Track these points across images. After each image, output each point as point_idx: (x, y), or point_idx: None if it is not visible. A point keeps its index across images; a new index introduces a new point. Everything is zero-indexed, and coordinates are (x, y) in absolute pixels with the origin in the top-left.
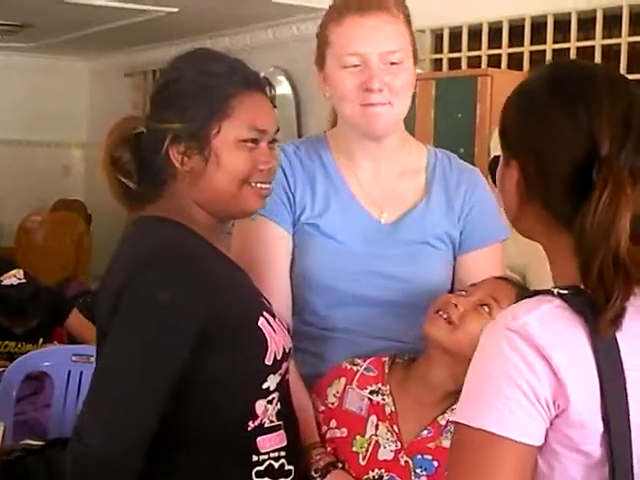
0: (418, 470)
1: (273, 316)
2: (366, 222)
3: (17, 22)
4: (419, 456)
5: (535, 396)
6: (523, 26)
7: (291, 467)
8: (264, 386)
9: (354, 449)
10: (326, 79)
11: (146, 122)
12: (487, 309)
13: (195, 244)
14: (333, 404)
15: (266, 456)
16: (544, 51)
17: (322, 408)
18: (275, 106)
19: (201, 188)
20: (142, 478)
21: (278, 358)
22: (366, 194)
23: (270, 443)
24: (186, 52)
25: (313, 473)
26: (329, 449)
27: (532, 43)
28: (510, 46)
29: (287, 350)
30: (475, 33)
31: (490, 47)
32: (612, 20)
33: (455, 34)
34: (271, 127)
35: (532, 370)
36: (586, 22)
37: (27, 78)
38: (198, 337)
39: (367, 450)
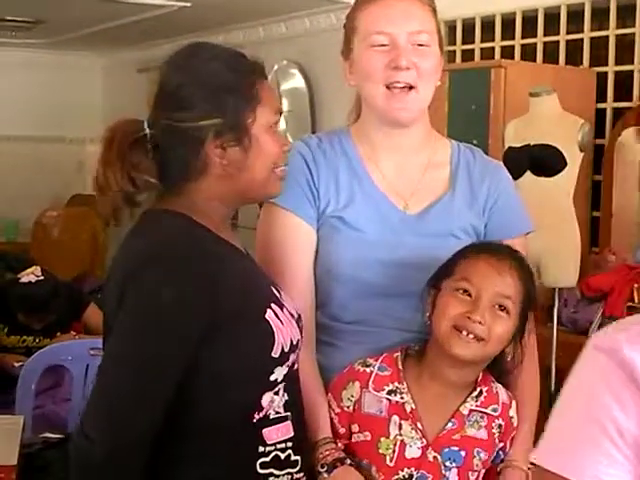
0: (447, 463)
1: (281, 307)
2: (391, 213)
3: (30, 18)
4: (446, 449)
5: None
6: (536, 17)
7: (297, 457)
8: (271, 378)
9: (380, 451)
10: (352, 66)
11: (163, 122)
12: (504, 310)
13: (204, 238)
14: (349, 408)
15: (272, 447)
16: (557, 42)
17: (338, 410)
18: None
19: (237, 179)
20: (147, 469)
21: (285, 350)
22: (390, 185)
23: (277, 434)
24: (187, 49)
25: (319, 468)
26: (340, 445)
27: (545, 34)
28: (523, 37)
29: (295, 342)
30: (488, 24)
31: (503, 38)
32: (626, 10)
33: (468, 26)
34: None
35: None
36: (600, 12)
37: (41, 74)
38: (203, 331)
39: (394, 451)
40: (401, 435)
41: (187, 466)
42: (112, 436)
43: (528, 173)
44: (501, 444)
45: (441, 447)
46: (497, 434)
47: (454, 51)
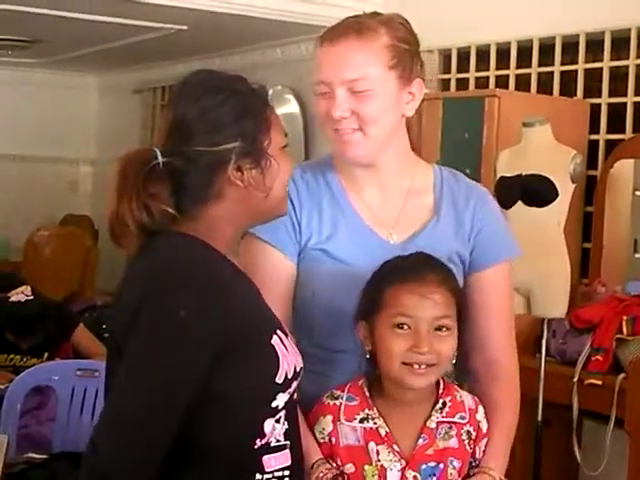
0: (428, 479)
1: (286, 334)
2: (375, 243)
3: (27, 38)
4: (424, 466)
5: None
6: (531, 47)
7: None
8: (273, 404)
9: (367, 479)
10: None
11: (182, 149)
12: (444, 329)
13: (216, 261)
14: (327, 443)
15: (270, 475)
16: (552, 73)
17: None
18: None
19: (252, 201)
20: None
21: (289, 377)
22: (374, 215)
23: (275, 462)
24: (197, 76)
25: None
26: (335, 465)
27: (540, 65)
28: (518, 67)
29: (298, 369)
30: (483, 54)
31: (498, 68)
32: (620, 42)
33: (463, 55)
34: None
35: None
36: (594, 44)
37: (36, 94)
38: (214, 355)
39: (379, 476)
40: (380, 461)
41: None
42: (118, 452)
43: (519, 203)
44: (471, 450)
45: (418, 465)
46: (467, 440)
47: (449, 79)
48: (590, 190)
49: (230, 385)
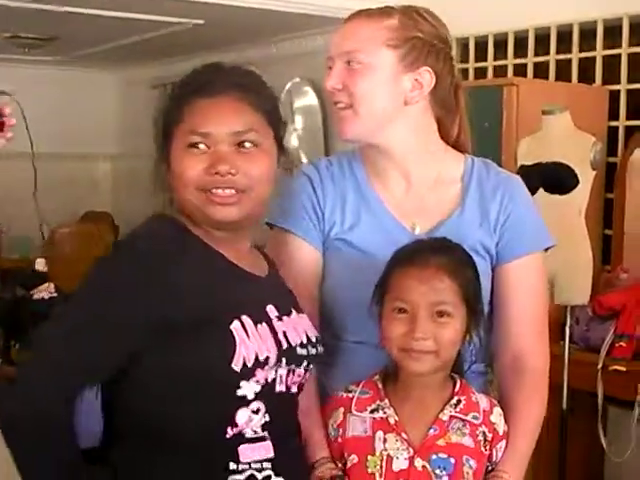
0: (437, 471)
1: (262, 322)
2: (398, 233)
3: (44, 35)
4: (434, 456)
5: None
6: (549, 35)
7: (280, 479)
8: (239, 393)
9: (369, 470)
10: None
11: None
12: (444, 316)
13: (177, 241)
14: (336, 437)
15: (247, 466)
16: (570, 60)
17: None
18: (265, 107)
19: (176, 198)
20: (125, 475)
21: (249, 365)
22: (398, 206)
23: (253, 453)
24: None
25: None
26: (340, 466)
27: (558, 52)
28: (536, 55)
29: (263, 359)
30: (501, 42)
31: (516, 56)
32: (638, 28)
33: (481, 43)
34: (218, 129)
35: None
36: (612, 31)
37: (54, 91)
38: (146, 328)
39: (381, 467)
40: (386, 450)
41: (161, 473)
42: (16, 402)
43: (540, 191)
44: (487, 453)
45: (428, 454)
46: (483, 442)
47: (467, 69)
48: (610, 177)
49: (184, 365)
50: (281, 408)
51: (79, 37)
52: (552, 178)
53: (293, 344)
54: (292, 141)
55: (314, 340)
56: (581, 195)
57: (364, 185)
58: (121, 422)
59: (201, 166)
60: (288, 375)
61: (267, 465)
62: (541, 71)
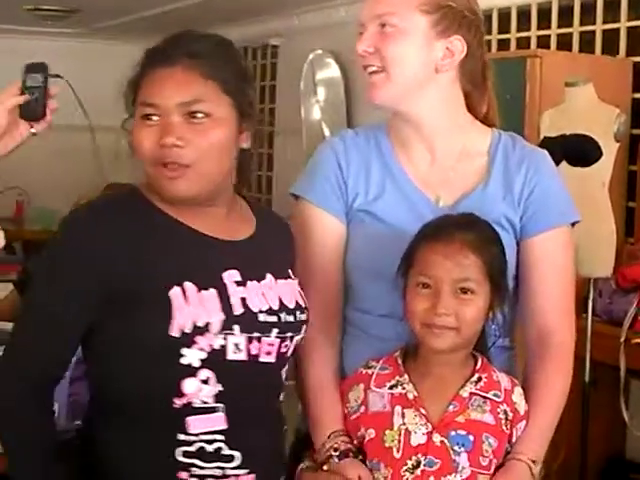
0: (456, 447)
1: (216, 288)
2: (422, 205)
3: (66, 7)
4: (453, 432)
5: None
6: (572, 6)
7: (234, 452)
8: (183, 361)
9: (386, 445)
10: None
11: None
12: (467, 292)
13: (127, 209)
14: (357, 411)
15: (196, 437)
16: (594, 32)
17: (345, 413)
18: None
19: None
20: (86, 439)
21: (186, 331)
22: (422, 178)
23: (202, 425)
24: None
25: (332, 452)
26: (356, 442)
27: (582, 24)
28: (559, 27)
29: (202, 324)
30: (524, 14)
31: (539, 28)
32: None
33: (504, 15)
34: (165, 100)
35: None
36: (637, 2)
37: (77, 63)
38: (97, 296)
39: (399, 441)
40: (405, 424)
41: (114, 437)
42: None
43: (563, 163)
44: (508, 432)
45: (446, 430)
46: (504, 420)
47: (490, 41)
48: (634, 149)
49: (120, 332)
50: (240, 378)
51: (100, 9)
52: (575, 150)
53: (254, 310)
54: (314, 113)
55: (291, 307)
56: (604, 167)
57: (389, 157)
58: (92, 401)
59: (153, 138)
60: (251, 342)
61: (219, 437)
62: (564, 43)
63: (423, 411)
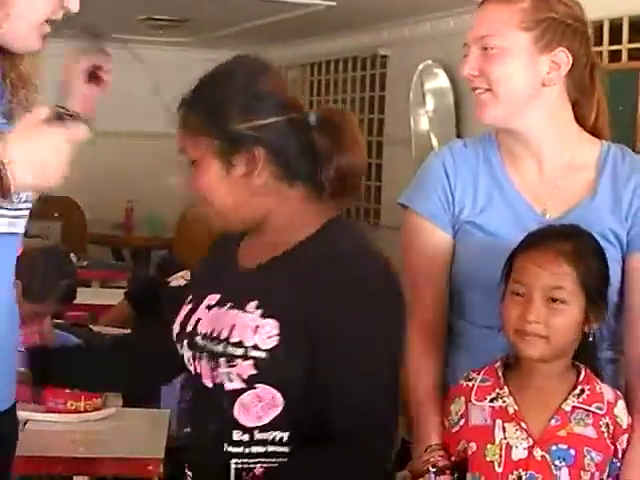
0: (557, 462)
1: (193, 305)
2: (529, 218)
3: (178, 17)
4: (554, 447)
5: None
6: None
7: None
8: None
9: (488, 459)
10: None
11: None
12: (559, 302)
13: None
14: (457, 424)
15: None
16: None
17: (446, 425)
18: None
19: None
20: None
21: (176, 331)
22: (530, 189)
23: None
24: None
25: (430, 467)
26: (453, 458)
27: None
28: None
29: (183, 330)
30: (636, 25)
31: None
32: None
33: (615, 26)
34: None
35: None
36: None
37: (187, 72)
38: None
39: (500, 455)
40: (506, 438)
41: None
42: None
43: None
44: (612, 447)
45: (547, 445)
46: (606, 434)
47: (601, 52)
48: None
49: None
50: (195, 389)
51: (212, 19)
52: None
53: (198, 332)
54: (423, 124)
55: (235, 341)
56: None
57: (497, 169)
58: None
59: None
60: (195, 360)
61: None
62: None
63: (524, 425)
